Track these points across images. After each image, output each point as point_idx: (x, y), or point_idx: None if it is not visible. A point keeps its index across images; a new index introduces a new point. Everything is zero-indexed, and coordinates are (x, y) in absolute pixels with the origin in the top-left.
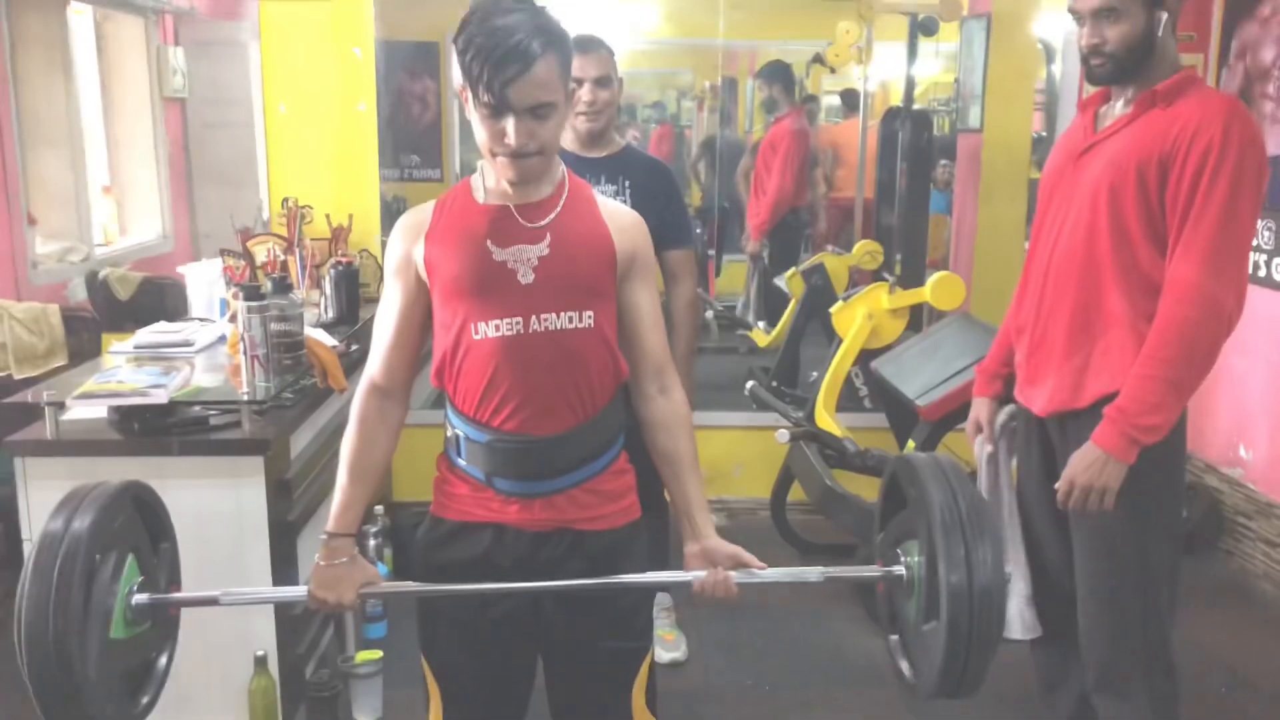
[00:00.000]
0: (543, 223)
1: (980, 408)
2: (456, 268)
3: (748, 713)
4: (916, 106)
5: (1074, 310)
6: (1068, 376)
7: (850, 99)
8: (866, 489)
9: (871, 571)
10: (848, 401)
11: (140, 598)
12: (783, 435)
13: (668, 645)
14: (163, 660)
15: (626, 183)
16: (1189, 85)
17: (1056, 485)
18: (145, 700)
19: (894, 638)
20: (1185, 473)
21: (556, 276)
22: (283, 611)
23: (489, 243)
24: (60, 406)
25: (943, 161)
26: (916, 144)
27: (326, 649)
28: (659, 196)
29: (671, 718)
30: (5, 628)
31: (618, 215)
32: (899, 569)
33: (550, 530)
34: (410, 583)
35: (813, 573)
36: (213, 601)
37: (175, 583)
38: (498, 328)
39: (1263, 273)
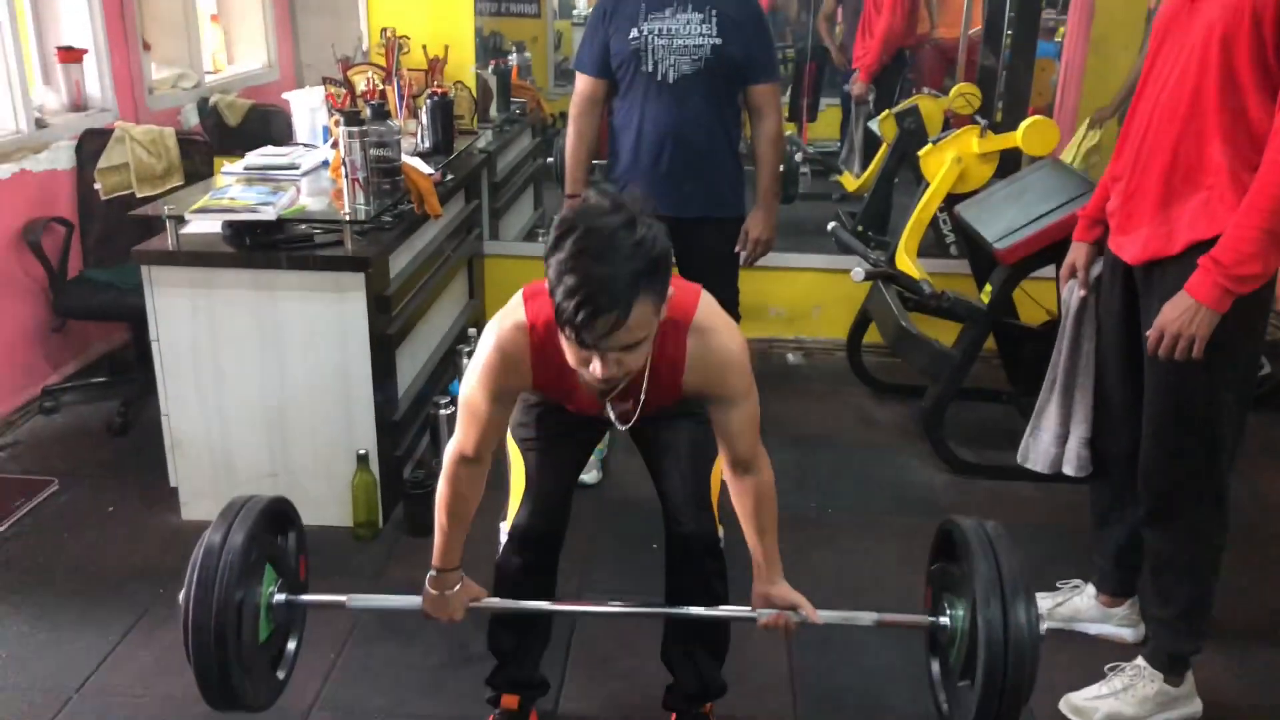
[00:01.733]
0: (629, 405)
1: (1077, 251)
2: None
3: (808, 530)
4: None
5: (1174, 158)
6: (1162, 225)
7: None
8: (942, 332)
9: (919, 619)
10: (934, 248)
11: (279, 598)
12: (858, 273)
13: None
14: (293, 644)
15: (714, 11)
16: None
17: (1147, 333)
18: (282, 676)
19: (935, 669)
20: (1268, 326)
21: (642, 417)
22: (383, 416)
23: (586, 412)
24: (180, 220)
25: (1051, 16)
26: None
27: (423, 452)
28: (745, 26)
29: (741, 535)
30: (139, 428)
31: (704, 366)
32: (944, 619)
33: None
34: (504, 601)
35: (865, 618)
36: (339, 605)
37: (303, 555)
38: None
39: None
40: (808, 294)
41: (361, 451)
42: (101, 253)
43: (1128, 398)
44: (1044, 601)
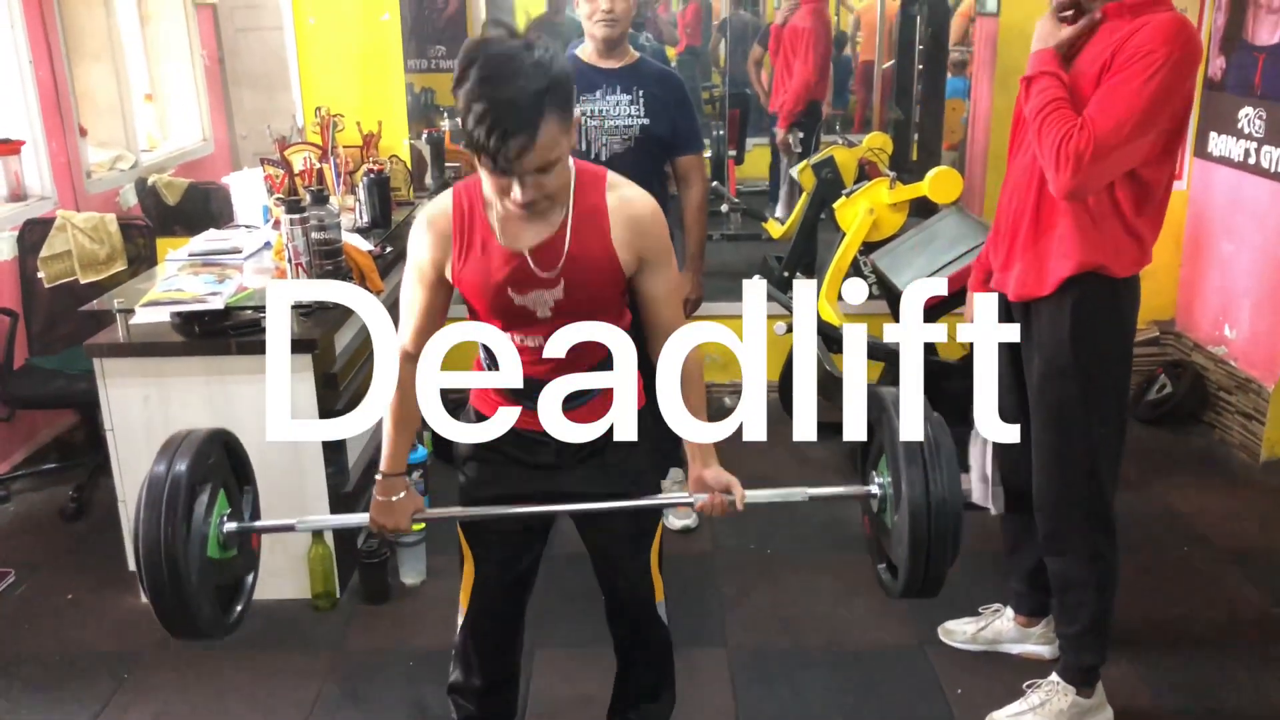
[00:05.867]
0: (555, 270)
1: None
2: (482, 303)
3: (750, 573)
4: None
5: (1037, 200)
6: (1031, 263)
7: None
8: (872, 370)
9: (852, 490)
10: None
11: (230, 525)
12: (780, 327)
13: (680, 514)
14: (249, 580)
15: (640, 92)
16: (1158, 5)
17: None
18: (238, 610)
19: (881, 567)
20: (1132, 354)
21: (570, 310)
22: (335, 489)
23: (509, 289)
24: (130, 313)
25: (960, 46)
26: (933, 30)
27: None
28: (670, 105)
29: (684, 577)
30: (92, 512)
31: (627, 222)
32: (874, 487)
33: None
34: (453, 508)
35: (798, 493)
36: (289, 528)
37: (256, 517)
38: (520, 339)
39: (1252, 160)
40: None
41: None
42: (46, 340)
43: (1023, 432)
44: (968, 626)
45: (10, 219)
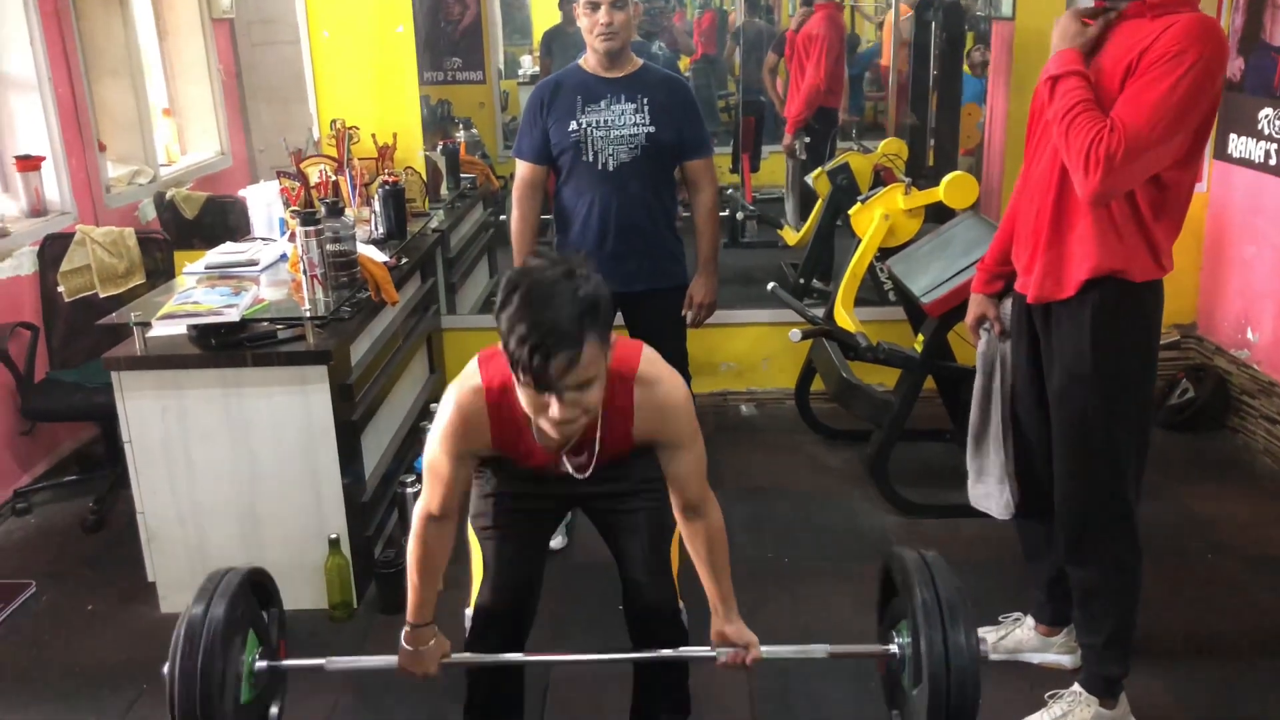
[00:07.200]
0: (585, 457)
1: (977, 304)
2: (514, 489)
3: (769, 581)
4: None
5: (1055, 202)
6: (1050, 265)
7: None
8: (887, 376)
9: (871, 649)
10: (875, 295)
11: (260, 665)
12: (794, 335)
13: None
14: (275, 709)
15: (645, 100)
16: (1182, 5)
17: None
18: None
19: (894, 713)
20: (1156, 360)
21: (599, 489)
22: (351, 499)
23: (541, 479)
24: (147, 326)
25: (978, 46)
26: (949, 35)
27: (392, 531)
28: (675, 110)
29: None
30: (113, 524)
31: (651, 416)
32: (894, 648)
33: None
34: (478, 655)
35: (818, 650)
36: (318, 669)
37: (283, 638)
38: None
39: (1273, 161)
40: (756, 347)
41: (333, 536)
42: (66, 353)
43: (1044, 436)
44: (988, 634)
45: (31, 234)
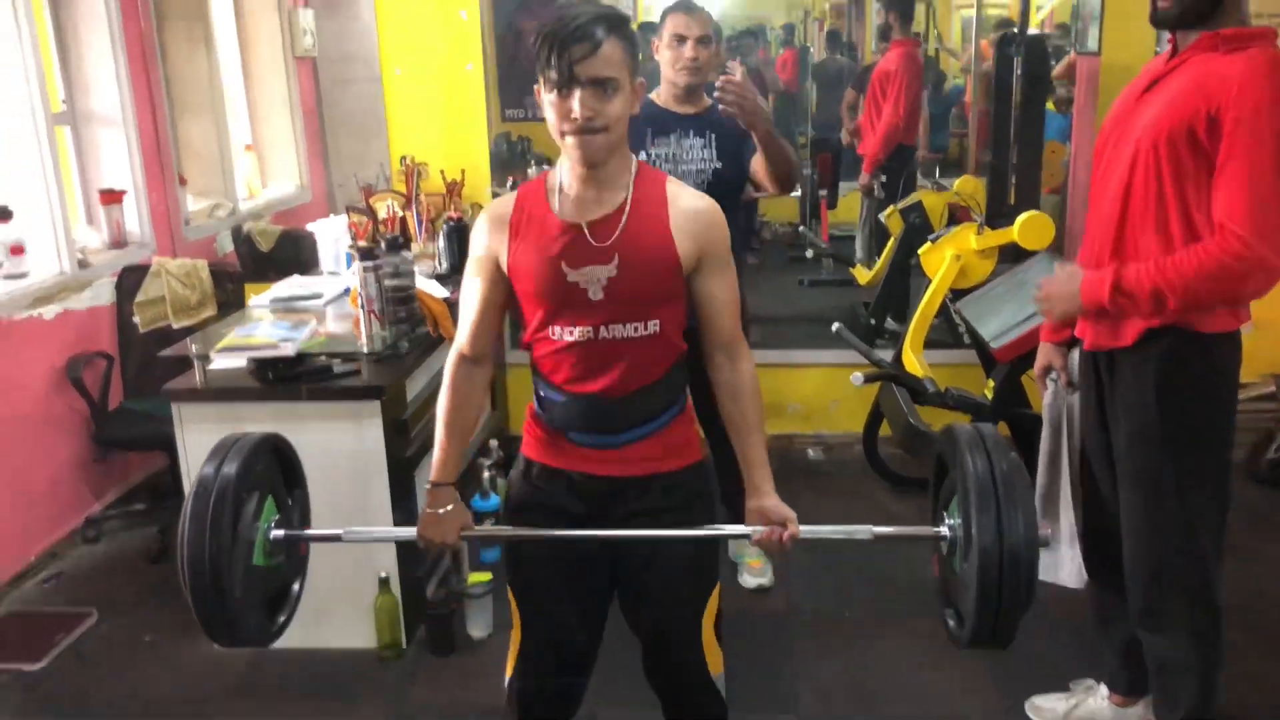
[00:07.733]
0: (610, 241)
1: (1044, 353)
2: (534, 284)
3: (827, 635)
4: (1031, 31)
5: (1114, 245)
6: (1110, 314)
7: None
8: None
9: (920, 530)
10: (948, 337)
11: (277, 533)
12: (857, 378)
13: (754, 572)
14: (295, 587)
15: (713, 136)
16: (1256, 39)
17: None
18: (282, 619)
19: (948, 611)
20: (1234, 415)
21: (623, 294)
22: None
23: (563, 264)
24: (207, 359)
25: (1063, 81)
26: (1032, 71)
27: (445, 572)
28: (743, 148)
29: (755, 639)
30: (174, 552)
31: (687, 213)
32: (943, 529)
33: (620, 477)
34: (502, 528)
35: (862, 531)
36: (336, 538)
37: (306, 523)
38: (571, 333)
39: None
40: (824, 389)
41: (383, 575)
42: (140, 383)
43: (1114, 492)
44: (1058, 704)
45: (110, 265)
